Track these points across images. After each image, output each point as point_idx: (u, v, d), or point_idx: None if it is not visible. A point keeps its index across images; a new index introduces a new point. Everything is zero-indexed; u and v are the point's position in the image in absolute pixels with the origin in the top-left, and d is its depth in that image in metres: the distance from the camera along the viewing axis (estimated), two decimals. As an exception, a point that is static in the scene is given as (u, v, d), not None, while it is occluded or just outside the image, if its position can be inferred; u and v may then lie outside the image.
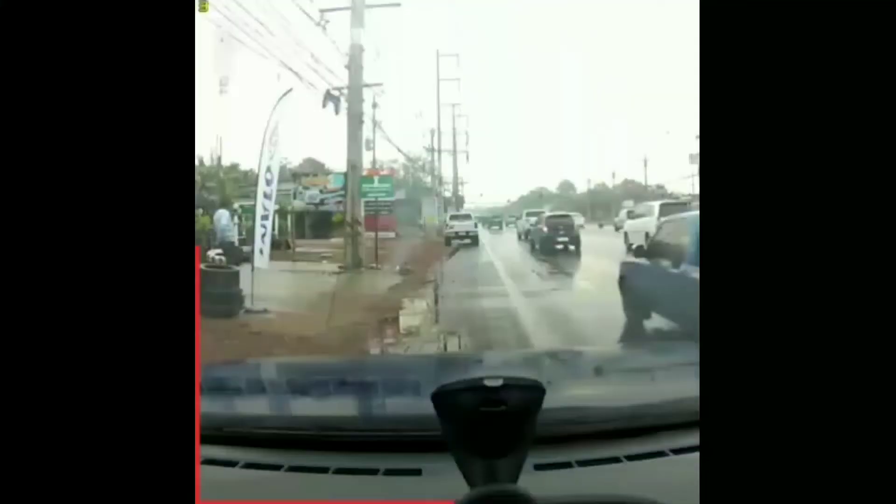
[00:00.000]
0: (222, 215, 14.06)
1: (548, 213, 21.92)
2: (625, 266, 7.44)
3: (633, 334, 6.25)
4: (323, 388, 1.52)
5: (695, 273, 4.09)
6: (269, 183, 9.07)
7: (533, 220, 22.60)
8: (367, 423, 1.20)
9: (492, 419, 0.70)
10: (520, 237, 25.63)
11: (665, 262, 5.72)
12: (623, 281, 7.24)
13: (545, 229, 18.20)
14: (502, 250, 19.92)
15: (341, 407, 1.36)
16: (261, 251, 8.93)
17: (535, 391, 0.72)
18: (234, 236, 9.22)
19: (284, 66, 12.70)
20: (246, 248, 10.76)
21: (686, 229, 5.43)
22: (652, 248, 6.66)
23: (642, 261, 6.70)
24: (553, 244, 17.37)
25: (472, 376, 0.71)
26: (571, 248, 17.13)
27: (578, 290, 10.83)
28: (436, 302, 10.43)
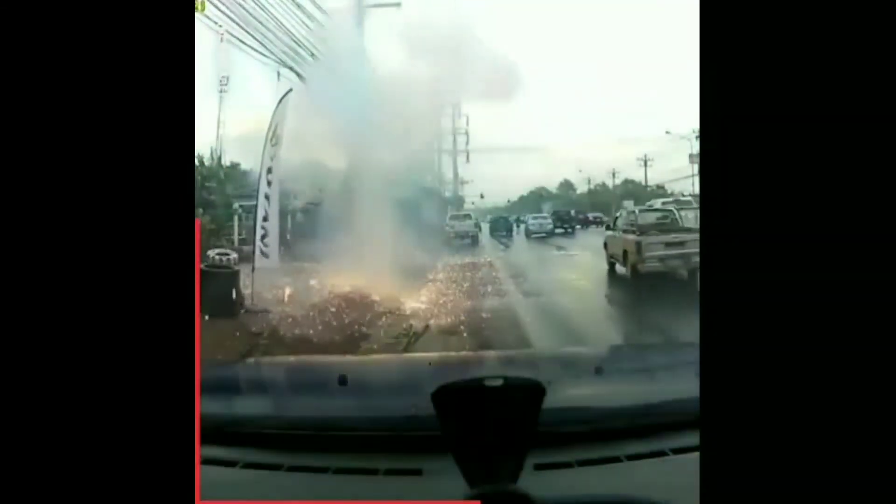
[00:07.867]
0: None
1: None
2: None
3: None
4: (323, 388, 1.52)
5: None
6: (269, 184, 9.05)
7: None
8: (367, 423, 1.20)
9: (492, 419, 0.70)
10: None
11: None
12: None
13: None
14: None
15: (341, 407, 1.36)
16: (261, 252, 8.91)
17: (535, 391, 0.72)
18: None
19: (284, 66, 12.67)
20: (247, 248, 10.76)
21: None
22: None
23: None
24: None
25: (472, 376, 0.71)
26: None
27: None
28: (435, 301, 10.43)
